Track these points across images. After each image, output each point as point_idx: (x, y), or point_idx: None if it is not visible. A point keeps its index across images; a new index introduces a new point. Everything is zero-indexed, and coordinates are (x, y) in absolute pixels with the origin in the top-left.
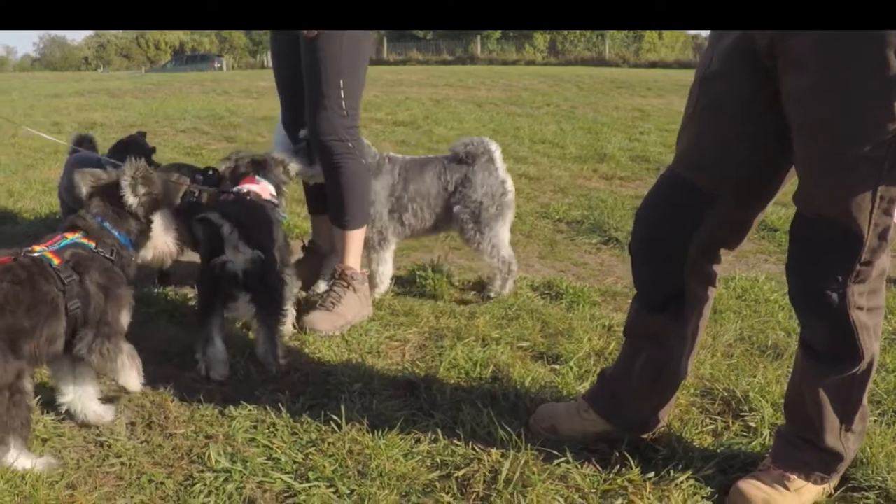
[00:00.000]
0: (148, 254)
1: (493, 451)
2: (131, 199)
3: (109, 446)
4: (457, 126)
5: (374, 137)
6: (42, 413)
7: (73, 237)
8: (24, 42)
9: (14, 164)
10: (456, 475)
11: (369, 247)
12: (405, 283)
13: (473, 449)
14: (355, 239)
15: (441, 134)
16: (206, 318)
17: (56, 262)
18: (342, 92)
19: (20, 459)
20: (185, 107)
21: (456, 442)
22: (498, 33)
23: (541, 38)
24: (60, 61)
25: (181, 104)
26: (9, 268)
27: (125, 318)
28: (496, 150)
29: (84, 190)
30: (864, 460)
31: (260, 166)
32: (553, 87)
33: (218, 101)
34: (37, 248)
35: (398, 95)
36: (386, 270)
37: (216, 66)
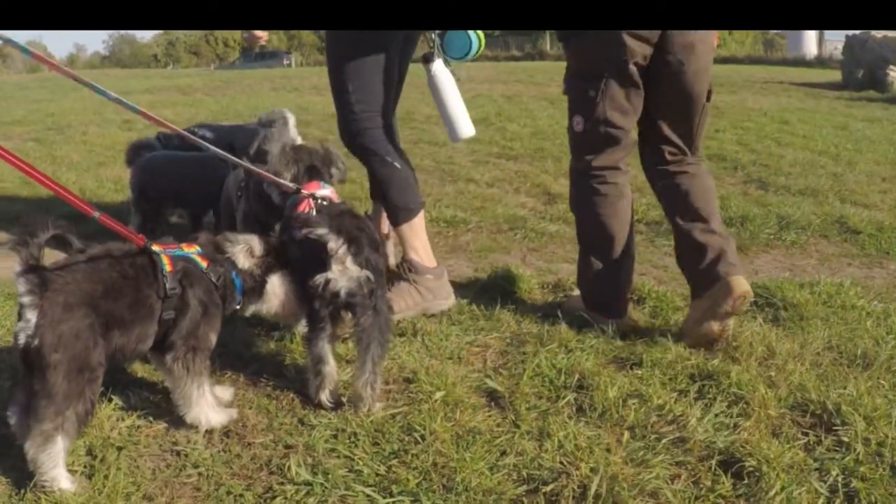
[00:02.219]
0: (270, 308)
1: (582, 465)
2: (244, 264)
3: (186, 455)
4: (530, 123)
5: (446, 135)
6: (117, 420)
7: (189, 251)
8: (93, 40)
9: (86, 162)
10: (544, 490)
11: None
12: (485, 286)
13: (561, 463)
14: (404, 233)
15: (514, 131)
16: (315, 337)
17: (168, 269)
18: (352, 97)
19: (56, 470)
20: (256, 104)
21: (543, 455)
22: None
23: None
24: (129, 58)
25: (252, 101)
26: (120, 260)
27: (214, 337)
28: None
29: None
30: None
31: (318, 170)
32: None
33: (288, 97)
34: (157, 247)
35: (468, 92)
36: None
37: (285, 62)
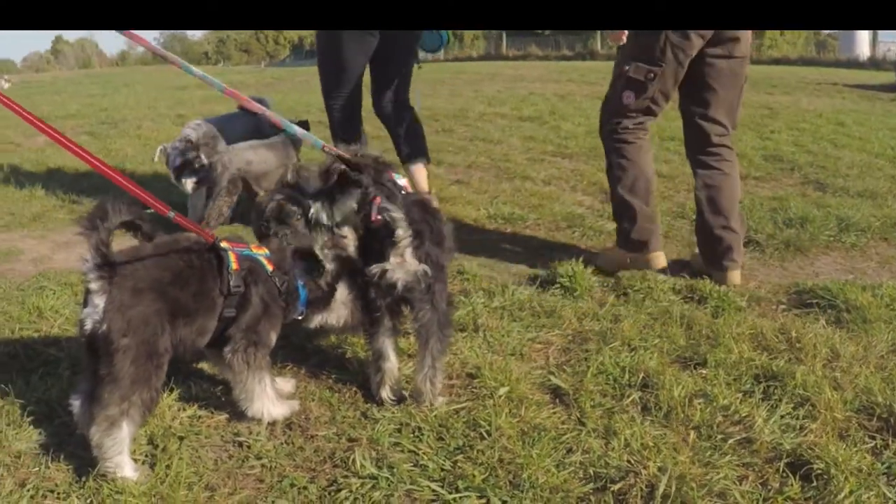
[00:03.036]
0: (330, 319)
1: (650, 464)
2: (328, 265)
3: (249, 447)
4: (584, 122)
5: (500, 133)
6: (178, 410)
7: (257, 252)
8: (145, 36)
9: (140, 156)
10: (612, 489)
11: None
12: (545, 283)
13: (628, 461)
14: None
15: (569, 130)
16: (375, 330)
17: (234, 266)
18: (324, 95)
19: (121, 456)
20: (309, 100)
21: (609, 453)
22: None
23: None
24: (181, 56)
25: (304, 97)
26: (187, 250)
27: (274, 336)
28: None
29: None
30: None
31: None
32: None
33: None
34: (224, 243)
35: (521, 91)
36: None
37: None
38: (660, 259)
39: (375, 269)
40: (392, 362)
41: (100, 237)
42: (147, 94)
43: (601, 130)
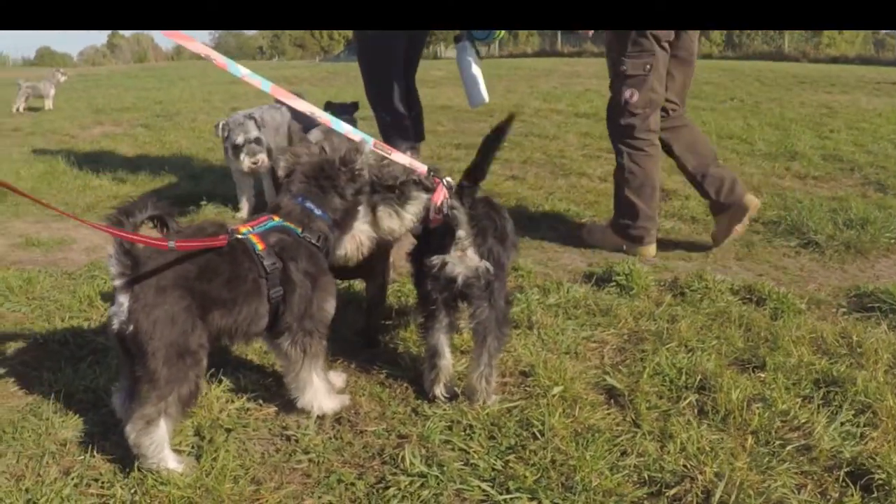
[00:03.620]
0: (348, 245)
1: (707, 469)
2: (364, 172)
3: (297, 441)
4: None
5: (556, 129)
6: (227, 402)
7: (279, 220)
8: (199, 32)
9: (195, 148)
10: (667, 494)
11: None
12: (601, 281)
13: (684, 466)
14: None
15: None
16: (431, 325)
17: (260, 247)
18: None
19: (162, 453)
20: (363, 94)
21: (665, 457)
22: None
23: (717, 31)
24: (235, 50)
25: (359, 92)
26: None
27: (330, 307)
28: None
29: (282, 168)
30: None
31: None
32: (734, 82)
33: None
34: (242, 228)
35: (577, 87)
36: None
37: None
38: (650, 251)
39: (436, 260)
40: (447, 359)
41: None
42: (202, 88)
43: (611, 134)
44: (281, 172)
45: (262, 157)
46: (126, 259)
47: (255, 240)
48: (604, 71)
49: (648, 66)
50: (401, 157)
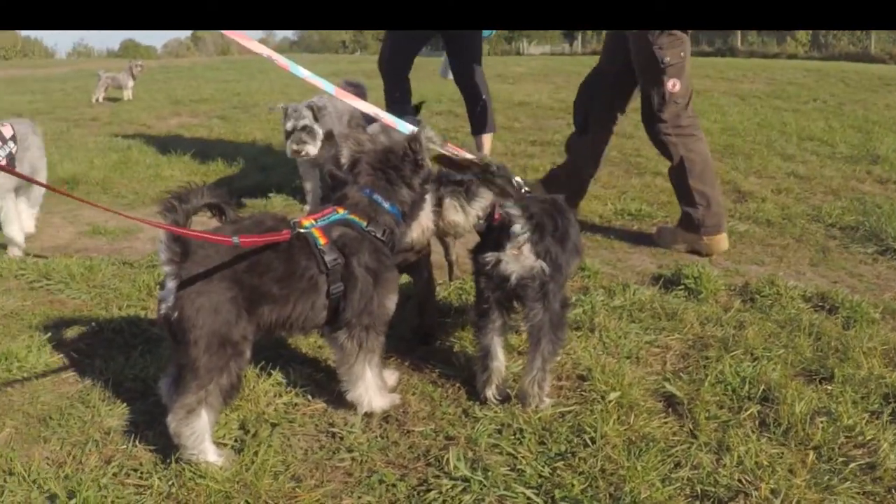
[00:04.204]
0: (414, 231)
1: (763, 485)
2: (427, 163)
3: (341, 438)
4: (720, 119)
5: (632, 127)
6: (274, 396)
7: (343, 212)
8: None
9: (268, 140)
10: None
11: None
12: (669, 284)
13: (740, 481)
14: None
15: (704, 127)
16: (483, 324)
17: (322, 241)
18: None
19: (202, 444)
20: (441, 90)
21: (720, 470)
22: None
23: (803, 31)
24: (318, 44)
25: (437, 87)
26: (270, 233)
27: (391, 303)
28: None
29: (345, 156)
30: None
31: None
32: (818, 82)
33: None
34: (305, 222)
35: None
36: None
37: None
38: (725, 241)
39: (490, 257)
40: (500, 361)
41: (175, 219)
42: (280, 81)
43: (657, 133)
44: (344, 160)
45: (309, 148)
46: (176, 246)
47: (317, 234)
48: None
49: (683, 54)
50: (469, 157)
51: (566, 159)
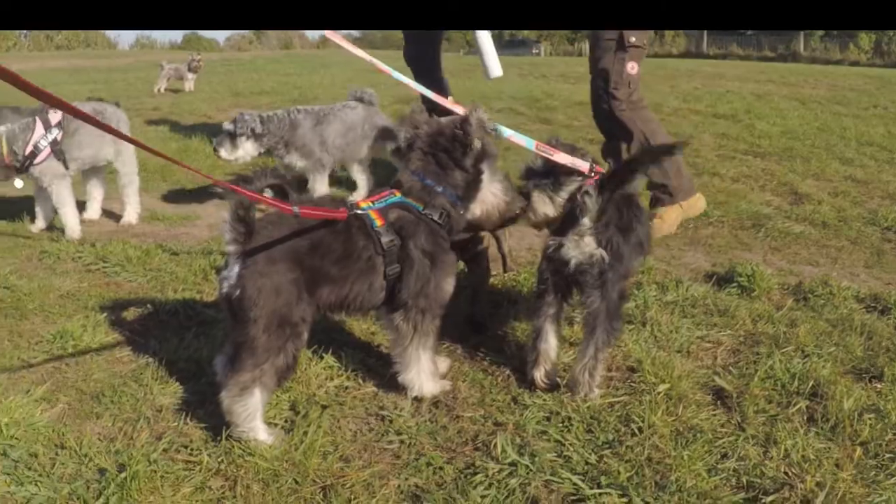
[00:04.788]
0: (476, 209)
1: (808, 478)
2: (476, 143)
3: (391, 421)
4: (779, 122)
5: (692, 128)
6: (326, 379)
7: (399, 195)
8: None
9: None
10: (764, 500)
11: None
12: (722, 281)
13: (786, 473)
14: None
15: (763, 129)
16: (538, 306)
17: (379, 223)
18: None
19: (253, 422)
20: (502, 87)
21: (766, 463)
22: (822, 31)
23: (866, 38)
24: (381, 41)
25: (497, 85)
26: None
27: (448, 286)
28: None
29: (402, 137)
30: None
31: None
32: (879, 89)
33: (535, 84)
34: (363, 203)
35: (719, 88)
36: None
37: (534, 51)
38: (703, 199)
39: (552, 241)
40: (549, 344)
41: (240, 200)
42: (343, 75)
43: (610, 109)
44: (402, 144)
45: (221, 151)
46: (240, 227)
47: (374, 215)
48: (749, 73)
49: (646, 41)
50: (563, 158)
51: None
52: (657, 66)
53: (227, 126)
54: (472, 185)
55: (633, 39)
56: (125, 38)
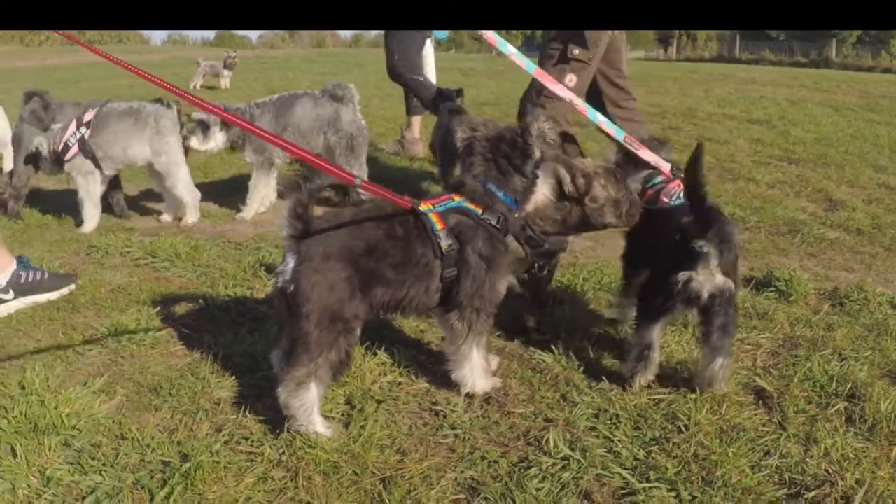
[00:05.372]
0: (529, 206)
1: (848, 475)
2: (536, 153)
3: (445, 416)
4: (813, 129)
5: (727, 133)
6: (380, 375)
7: (460, 199)
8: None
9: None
10: (805, 496)
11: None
12: (760, 286)
13: (826, 471)
14: None
15: (797, 136)
16: (649, 326)
17: (439, 226)
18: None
19: (311, 416)
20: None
21: (807, 460)
22: (854, 37)
23: None
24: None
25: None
26: (389, 220)
27: (502, 288)
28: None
29: (459, 138)
30: None
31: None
32: None
33: None
34: (424, 206)
35: (752, 93)
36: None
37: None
38: None
39: (682, 276)
40: (657, 354)
41: (299, 198)
42: (376, 74)
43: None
44: (458, 144)
45: (191, 141)
46: (298, 223)
47: (434, 218)
48: (782, 78)
49: (591, 57)
50: (648, 155)
51: None
52: (691, 71)
53: (198, 115)
54: (529, 189)
55: (576, 52)
56: (157, 34)
